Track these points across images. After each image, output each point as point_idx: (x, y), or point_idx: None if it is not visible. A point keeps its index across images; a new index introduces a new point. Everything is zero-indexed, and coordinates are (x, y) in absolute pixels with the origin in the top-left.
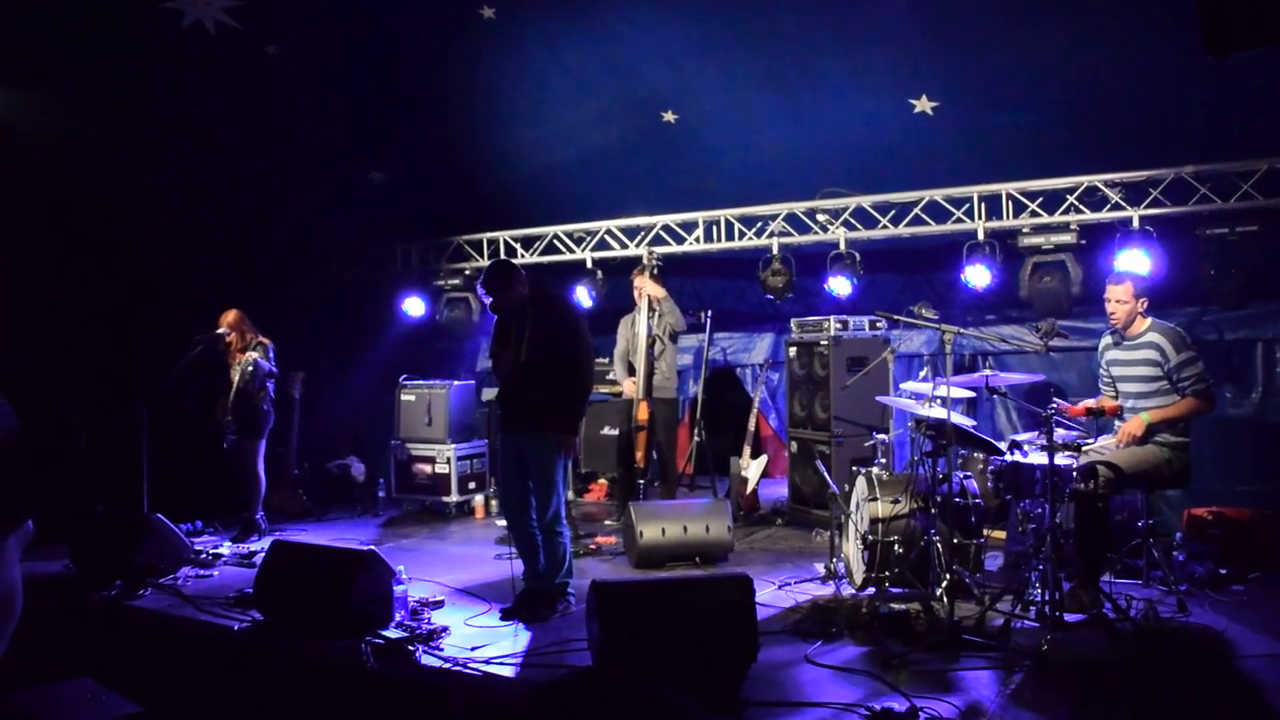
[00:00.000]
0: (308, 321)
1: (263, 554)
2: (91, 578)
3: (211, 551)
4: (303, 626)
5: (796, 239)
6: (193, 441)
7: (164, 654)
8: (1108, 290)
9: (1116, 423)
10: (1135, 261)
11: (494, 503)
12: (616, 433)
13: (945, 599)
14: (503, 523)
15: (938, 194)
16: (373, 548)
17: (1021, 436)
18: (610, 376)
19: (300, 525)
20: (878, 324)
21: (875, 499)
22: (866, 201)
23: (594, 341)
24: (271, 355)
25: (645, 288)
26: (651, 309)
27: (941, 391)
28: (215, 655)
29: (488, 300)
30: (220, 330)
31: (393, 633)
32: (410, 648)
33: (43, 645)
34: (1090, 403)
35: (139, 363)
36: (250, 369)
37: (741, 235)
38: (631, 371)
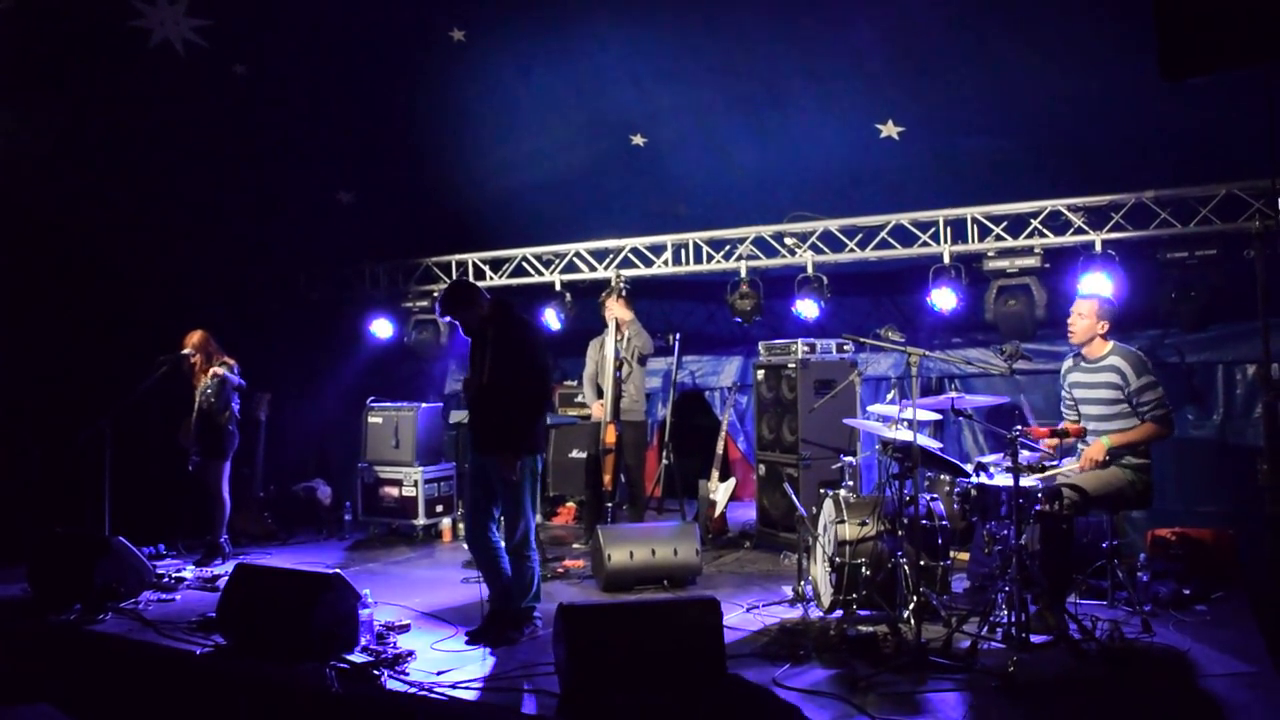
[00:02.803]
0: (274, 342)
1: (226, 577)
2: (50, 600)
3: (174, 575)
4: (266, 651)
5: (764, 262)
6: (156, 463)
7: (124, 679)
8: (1074, 305)
9: (1080, 445)
10: (1099, 285)
11: (461, 526)
12: (584, 455)
13: (913, 621)
14: None
15: (904, 218)
16: (338, 571)
17: (987, 458)
18: (579, 399)
19: (265, 548)
20: (845, 347)
21: (843, 521)
22: (834, 225)
23: (562, 364)
24: (236, 373)
25: (613, 310)
26: (619, 332)
27: (908, 414)
28: (177, 680)
29: (446, 320)
30: (185, 351)
31: (358, 657)
32: (375, 672)
33: None
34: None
35: (102, 382)
36: (209, 390)
37: (710, 258)
38: (600, 394)
